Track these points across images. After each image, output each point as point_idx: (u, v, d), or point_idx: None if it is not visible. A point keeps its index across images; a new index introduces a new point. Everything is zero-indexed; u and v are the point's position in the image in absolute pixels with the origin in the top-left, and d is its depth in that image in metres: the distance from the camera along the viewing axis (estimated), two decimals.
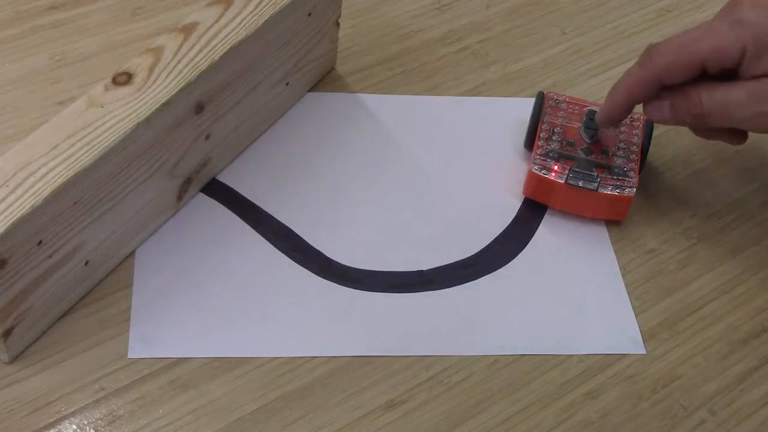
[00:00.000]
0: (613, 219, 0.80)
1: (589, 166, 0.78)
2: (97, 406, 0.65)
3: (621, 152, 0.80)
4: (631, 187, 0.78)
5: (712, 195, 0.84)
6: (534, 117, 0.82)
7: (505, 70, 0.93)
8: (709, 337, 0.74)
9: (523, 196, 0.81)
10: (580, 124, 0.82)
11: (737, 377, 0.72)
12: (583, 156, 0.79)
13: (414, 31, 0.95)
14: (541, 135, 0.81)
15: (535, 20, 0.98)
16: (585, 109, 0.83)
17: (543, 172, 0.78)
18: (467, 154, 0.85)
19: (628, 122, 0.82)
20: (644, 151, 0.81)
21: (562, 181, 0.78)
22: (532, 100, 0.90)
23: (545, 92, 0.84)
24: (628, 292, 0.76)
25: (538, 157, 0.79)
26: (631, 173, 0.78)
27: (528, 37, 0.96)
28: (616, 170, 0.78)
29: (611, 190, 0.77)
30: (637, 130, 0.82)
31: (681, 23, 1.00)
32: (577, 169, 0.78)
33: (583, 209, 0.79)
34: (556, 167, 0.78)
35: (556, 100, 0.84)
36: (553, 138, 0.81)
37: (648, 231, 0.81)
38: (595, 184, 0.77)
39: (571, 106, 0.83)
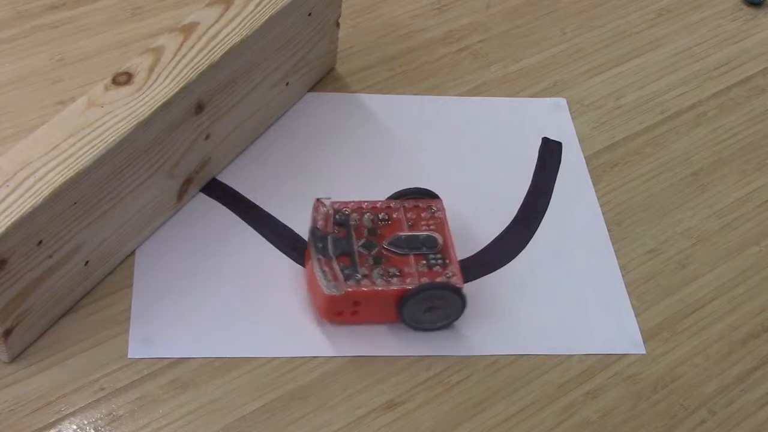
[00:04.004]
0: (316, 309, 0.71)
1: (345, 247, 0.70)
2: (97, 406, 0.65)
3: (385, 275, 0.69)
4: (334, 288, 0.68)
5: (712, 195, 0.84)
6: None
7: (505, 70, 0.93)
8: (709, 337, 0.74)
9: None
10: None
11: (737, 377, 0.72)
12: (358, 243, 0.71)
13: (414, 31, 0.95)
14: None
15: (535, 20, 0.98)
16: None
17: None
18: (467, 153, 0.85)
19: (441, 268, 0.70)
20: (404, 302, 0.69)
21: (309, 233, 0.71)
22: (533, 100, 0.90)
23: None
24: (628, 292, 0.76)
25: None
26: (353, 281, 0.68)
27: (528, 37, 0.96)
28: (348, 270, 0.69)
29: (318, 272, 0.68)
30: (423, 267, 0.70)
31: (681, 23, 1.00)
32: (335, 238, 0.70)
33: (308, 282, 0.72)
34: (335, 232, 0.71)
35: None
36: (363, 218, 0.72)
37: (648, 231, 0.81)
38: (315, 252, 0.69)
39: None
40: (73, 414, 0.65)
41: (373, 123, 0.86)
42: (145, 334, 0.69)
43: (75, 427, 0.64)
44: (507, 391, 0.69)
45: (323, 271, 0.68)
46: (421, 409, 0.68)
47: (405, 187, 0.76)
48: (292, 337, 0.70)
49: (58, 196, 0.62)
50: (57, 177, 0.62)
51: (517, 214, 0.80)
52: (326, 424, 0.66)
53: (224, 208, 0.78)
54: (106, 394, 0.66)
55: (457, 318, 0.71)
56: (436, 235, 0.72)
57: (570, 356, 0.72)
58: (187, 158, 0.74)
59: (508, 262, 0.77)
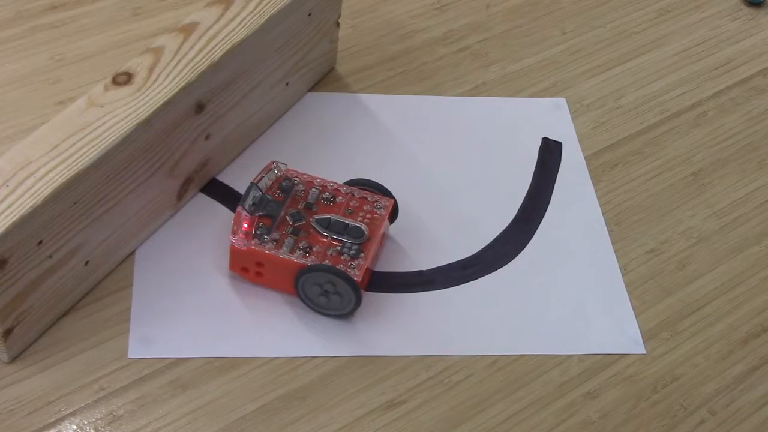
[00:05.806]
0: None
1: (273, 210, 0.71)
2: (97, 406, 0.65)
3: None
4: (238, 241, 0.70)
5: (712, 195, 0.84)
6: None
7: (505, 70, 0.93)
8: (709, 337, 0.74)
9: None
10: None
11: (737, 377, 0.72)
12: (288, 210, 0.72)
13: (414, 31, 0.95)
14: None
15: (535, 20, 0.98)
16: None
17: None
18: (467, 153, 0.85)
19: (349, 258, 0.70)
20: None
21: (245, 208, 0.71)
22: (533, 100, 0.90)
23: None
24: (628, 292, 0.76)
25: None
26: (259, 241, 0.69)
27: (528, 37, 0.96)
28: (261, 230, 0.70)
29: (234, 222, 0.70)
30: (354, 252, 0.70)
31: (681, 23, 1.00)
32: (266, 198, 0.72)
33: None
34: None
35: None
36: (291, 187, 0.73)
37: (648, 231, 0.81)
38: (241, 204, 0.71)
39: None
40: (73, 414, 0.65)
41: (373, 123, 0.86)
42: (144, 334, 0.69)
43: (75, 427, 0.64)
44: (507, 391, 0.69)
45: (238, 223, 0.70)
46: (421, 409, 0.68)
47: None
48: (292, 337, 0.70)
49: (58, 196, 0.62)
50: (57, 177, 0.62)
51: (517, 214, 0.80)
52: (326, 424, 0.66)
53: (224, 208, 0.78)
54: (106, 394, 0.66)
55: (351, 311, 0.71)
56: (365, 228, 0.72)
57: (570, 356, 0.72)
58: (187, 158, 0.74)
59: (508, 262, 0.77)
